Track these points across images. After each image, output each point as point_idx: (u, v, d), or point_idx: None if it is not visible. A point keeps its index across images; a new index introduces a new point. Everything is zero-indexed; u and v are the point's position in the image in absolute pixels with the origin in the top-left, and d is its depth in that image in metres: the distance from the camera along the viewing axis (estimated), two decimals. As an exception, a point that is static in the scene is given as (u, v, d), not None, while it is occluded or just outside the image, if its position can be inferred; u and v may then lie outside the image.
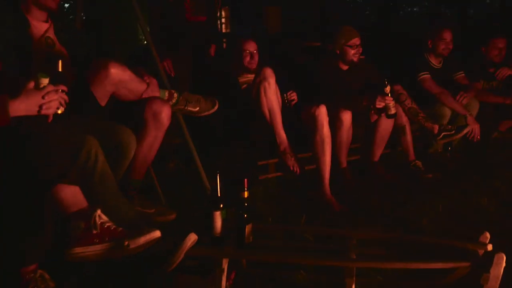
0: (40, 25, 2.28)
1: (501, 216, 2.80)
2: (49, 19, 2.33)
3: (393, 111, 3.34)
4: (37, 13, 2.27)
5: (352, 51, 3.50)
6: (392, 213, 2.82)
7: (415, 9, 14.95)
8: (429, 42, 4.13)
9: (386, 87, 3.27)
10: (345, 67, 3.60)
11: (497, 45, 4.40)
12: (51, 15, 2.34)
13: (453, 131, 3.76)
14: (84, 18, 3.05)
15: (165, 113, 2.34)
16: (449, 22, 10.11)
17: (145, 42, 2.99)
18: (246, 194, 1.87)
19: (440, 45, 4.07)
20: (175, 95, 2.54)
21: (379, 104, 3.28)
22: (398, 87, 3.65)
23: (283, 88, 3.35)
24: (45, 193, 1.67)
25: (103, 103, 2.25)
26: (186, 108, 2.58)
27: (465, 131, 3.78)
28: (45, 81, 1.69)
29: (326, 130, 3.12)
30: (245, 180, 1.88)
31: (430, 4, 13.99)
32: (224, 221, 1.89)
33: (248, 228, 1.85)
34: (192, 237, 1.74)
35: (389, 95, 3.29)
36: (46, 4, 2.24)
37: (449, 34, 4.08)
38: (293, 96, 3.42)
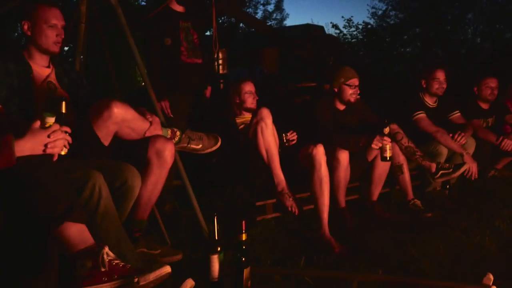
0: (42, 70, 2.33)
1: (503, 256, 2.76)
2: (50, 64, 2.38)
3: (388, 154, 3.28)
4: (39, 58, 2.31)
5: (350, 91, 3.54)
6: (392, 254, 2.77)
7: (408, 49, 15.28)
8: (422, 82, 4.20)
9: (385, 127, 3.26)
10: (341, 107, 3.64)
11: (489, 85, 4.47)
12: (52, 59, 2.39)
13: (451, 170, 3.76)
14: (83, 61, 3.09)
15: (169, 151, 2.34)
16: (441, 62, 10.35)
17: (143, 84, 3.02)
18: (244, 236, 1.85)
19: (434, 84, 4.13)
20: (178, 133, 2.55)
21: (376, 145, 3.28)
22: (394, 126, 3.68)
23: (280, 128, 3.37)
24: (49, 231, 1.64)
25: (106, 143, 2.25)
26: (189, 145, 2.58)
27: (462, 169, 3.77)
28: (51, 120, 1.70)
29: (324, 169, 3.12)
30: (243, 222, 1.86)
31: (423, 44, 14.33)
32: (221, 265, 1.85)
33: (246, 272, 1.81)
34: (189, 284, 1.70)
35: (388, 135, 3.28)
36: (49, 49, 2.29)
37: (442, 73, 4.15)
38: (293, 136, 3.44)
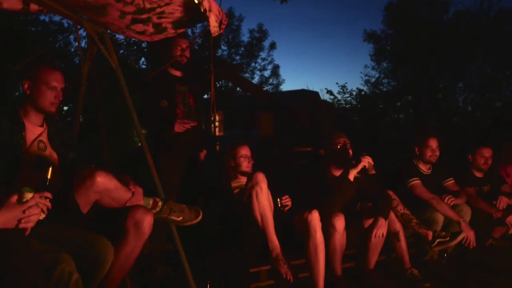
0: (35, 129, 2.34)
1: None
2: (44, 123, 2.40)
3: (373, 171, 3.43)
4: (34, 117, 2.34)
5: (340, 149, 3.55)
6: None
7: (401, 115, 15.63)
8: (416, 150, 4.25)
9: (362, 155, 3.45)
10: (337, 173, 3.64)
11: (483, 154, 4.51)
12: (47, 118, 2.41)
13: (448, 238, 3.71)
14: (82, 121, 3.12)
15: (147, 222, 2.31)
16: (434, 130, 10.56)
17: (139, 144, 3.04)
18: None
19: (427, 152, 4.18)
20: (160, 203, 2.52)
21: (364, 161, 3.39)
22: (389, 193, 3.67)
23: (275, 193, 3.35)
24: None
25: (84, 211, 2.23)
26: (169, 217, 2.56)
27: (459, 237, 3.73)
28: (28, 195, 1.72)
29: (319, 236, 3.07)
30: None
31: (415, 111, 14.69)
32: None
33: None
34: None
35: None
36: (45, 109, 2.32)
37: (435, 141, 4.21)
38: (287, 201, 3.41)
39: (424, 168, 4.24)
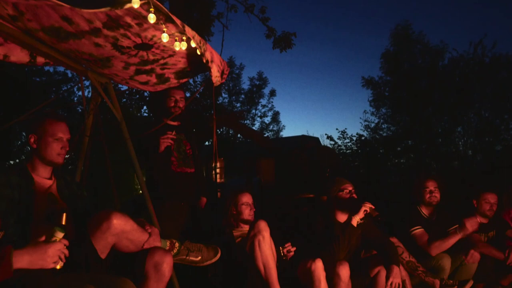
0: (44, 182, 2.34)
1: None
2: (52, 176, 2.40)
3: (376, 212, 3.44)
4: (43, 170, 2.35)
5: (346, 196, 3.53)
6: None
7: (402, 160, 15.62)
8: (415, 193, 4.23)
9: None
10: (341, 220, 3.59)
11: (488, 200, 4.46)
12: (55, 171, 2.42)
13: (455, 286, 3.61)
14: (84, 171, 3.13)
15: (167, 264, 2.28)
16: (431, 173, 10.51)
17: (140, 192, 3.03)
18: None
19: (426, 194, 4.16)
20: (177, 244, 2.50)
21: (365, 206, 3.42)
22: (394, 240, 3.61)
23: (278, 241, 3.30)
24: None
25: (103, 256, 2.20)
26: (188, 257, 2.52)
27: (468, 286, 3.63)
28: (60, 234, 1.74)
29: (323, 285, 2.99)
30: None
31: (416, 156, 14.70)
32: None
33: None
34: None
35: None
36: (53, 160, 2.33)
37: (433, 183, 4.19)
38: (291, 249, 3.35)
39: (426, 212, 4.19)
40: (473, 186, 4.97)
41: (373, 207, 3.43)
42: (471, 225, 3.90)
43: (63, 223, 1.84)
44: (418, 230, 3.96)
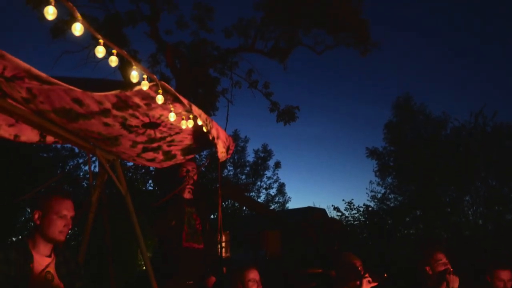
0: (43, 260, 2.30)
1: None
2: (52, 253, 2.36)
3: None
4: (43, 248, 2.31)
5: (355, 273, 3.42)
6: None
7: (411, 231, 15.31)
8: (423, 267, 4.08)
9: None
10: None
11: (501, 278, 4.27)
12: (55, 249, 2.38)
13: None
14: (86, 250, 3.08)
15: None
16: (442, 245, 10.22)
17: (144, 268, 2.96)
18: None
19: (437, 267, 4.00)
20: None
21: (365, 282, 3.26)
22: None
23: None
24: None
25: None
26: None
27: None
28: None
29: None
30: None
31: (425, 226, 14.41)
32: None
33: None
34: None
35: None
36: (55, 238, 2.30)
37: (442, 255, 4.05)
38: None
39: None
40: (486, 260, 4.82)
41: (370, 279, 3.31)
42: None
43: None
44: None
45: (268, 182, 23.15)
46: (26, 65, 1.63)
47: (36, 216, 2.33)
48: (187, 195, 3.82)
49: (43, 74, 1.72)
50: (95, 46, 1.68)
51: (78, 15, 1.49)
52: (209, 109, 11.81)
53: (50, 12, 1.40)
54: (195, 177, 3.83)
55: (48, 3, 1.38)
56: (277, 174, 23.46)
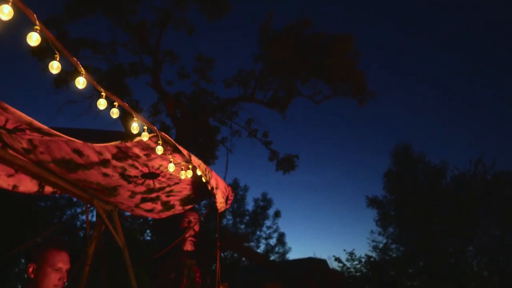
0: None
1: None
2: None
3: None
4: None
5: None
6: None
7: (415, 283, 14.91)
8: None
9: None
10: None
11: None
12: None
13: None
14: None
15: None
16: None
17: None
18: None
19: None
20: None
21: None
22: None
23: None
24: None
25: None
26: None
27: None
28: None
29: None
30: None
31: (430, 277, 14.05)
32: None
33: None
34: None
35: None
36: None
37: None
38: None
39: None
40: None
41: None
42: None
43: None
44: None
45: (268, 231, 22.78)
46: (28, 118, 1.65)
47: (30, 269, 2.28)
48: (188, 247, 3.74)
49: (44, 126, 1.74)
50: (97, 97, 1.70)
51: (82, 69, 1.53)
52: (208, 157, 11.85)
53: (55, 67, 1.43)
54: (196, 228, 3.77)
55: (53, 58, 1.41)
56: (277, 223, 23.11)
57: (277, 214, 22.85)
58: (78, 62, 1.50)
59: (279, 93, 12.02)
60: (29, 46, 1.35)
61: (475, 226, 13.85)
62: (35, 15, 1.30)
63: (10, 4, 1.20)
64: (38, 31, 1.32)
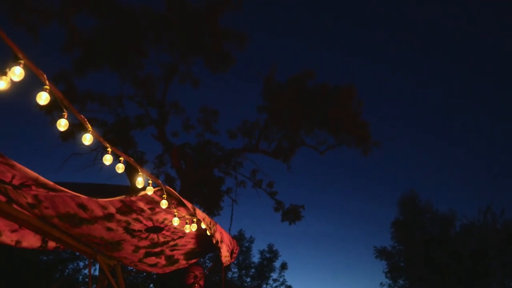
0: None
1: None
2: None
3: None
4: None
5: None
6: None
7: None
8: None
9: None
10: None
11: None
12: None
13: None
14: None
15: None
16: None
17: None
18: None
19: None
20: None
21: None
22: None
23: None
24: None
25: None
26: None
27: None
28: None
29: None
30: None
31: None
32: None
33: None
34: None
35: None
36: None
37: None
38: None
39: None
40: None
41: None
42: None
43: None
44: None
45: (274, 285, 22.13)
46: (34, 174, 1.66)
47: None
48: None
49: (50, 182, 1.75)
50: (103, 150, 1.72)
51: (89, 126, 1.55)
52: (213, 208, 11.76)
53: (62, 124, 1.46)
54: (201, 283, 3.68)
55: (61, 116, 1.44)
56: (283, 276, 22.50)
57: (283, 266, 22.27)
58: (85, 119, 1.53)
59: (283, 143, 12.09)
60: (38, 104, 1.38)
61: (488, 278, 13.41)
62: (45, 75, 1.34)
63: (21, 66, 1.25)
64: (47, 90, 1.36)
